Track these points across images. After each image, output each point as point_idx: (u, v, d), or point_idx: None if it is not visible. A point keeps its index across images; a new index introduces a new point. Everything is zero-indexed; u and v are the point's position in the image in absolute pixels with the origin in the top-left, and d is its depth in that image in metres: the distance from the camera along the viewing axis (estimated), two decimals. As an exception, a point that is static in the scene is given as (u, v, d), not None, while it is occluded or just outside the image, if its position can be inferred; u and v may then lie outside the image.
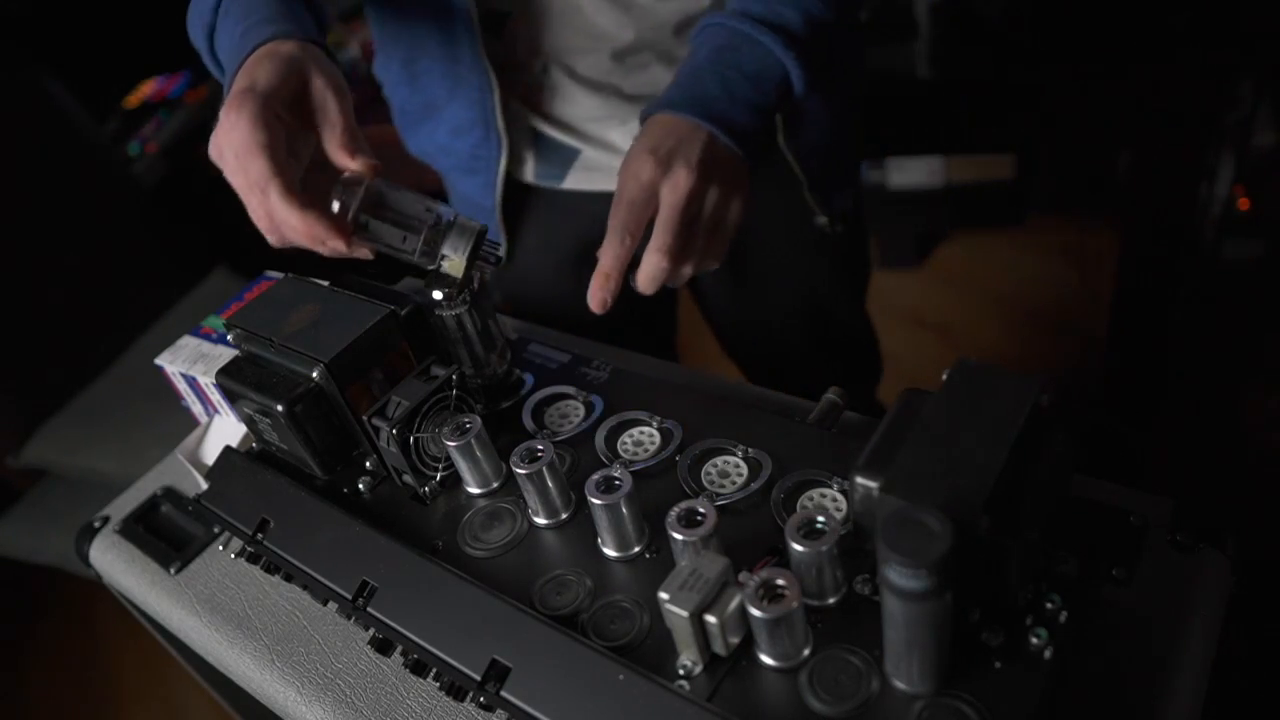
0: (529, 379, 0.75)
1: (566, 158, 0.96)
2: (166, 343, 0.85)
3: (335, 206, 0.63)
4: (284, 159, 0.62)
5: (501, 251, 0.68)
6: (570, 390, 0.73)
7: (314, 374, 0.65)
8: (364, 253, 0.66)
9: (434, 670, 0.55)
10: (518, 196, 0.98)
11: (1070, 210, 2.27)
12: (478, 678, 0.52)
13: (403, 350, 0.69)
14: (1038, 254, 2.29)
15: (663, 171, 0.68)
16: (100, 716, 1.87)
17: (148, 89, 2.30)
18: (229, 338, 0.73)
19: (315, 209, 0.61)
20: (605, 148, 0.95)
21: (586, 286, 0.69)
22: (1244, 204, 1.62)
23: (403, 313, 0.68)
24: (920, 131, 2.18)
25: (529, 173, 0.98)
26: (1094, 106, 2.06)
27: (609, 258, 0.68)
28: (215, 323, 0.86)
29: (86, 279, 1.86)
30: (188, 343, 0.85)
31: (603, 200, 0.98)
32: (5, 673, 1.98)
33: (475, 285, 0.69)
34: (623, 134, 0.94)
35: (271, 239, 0.65)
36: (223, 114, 0.62)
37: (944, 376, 0.51)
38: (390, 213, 0.65)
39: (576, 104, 0.93)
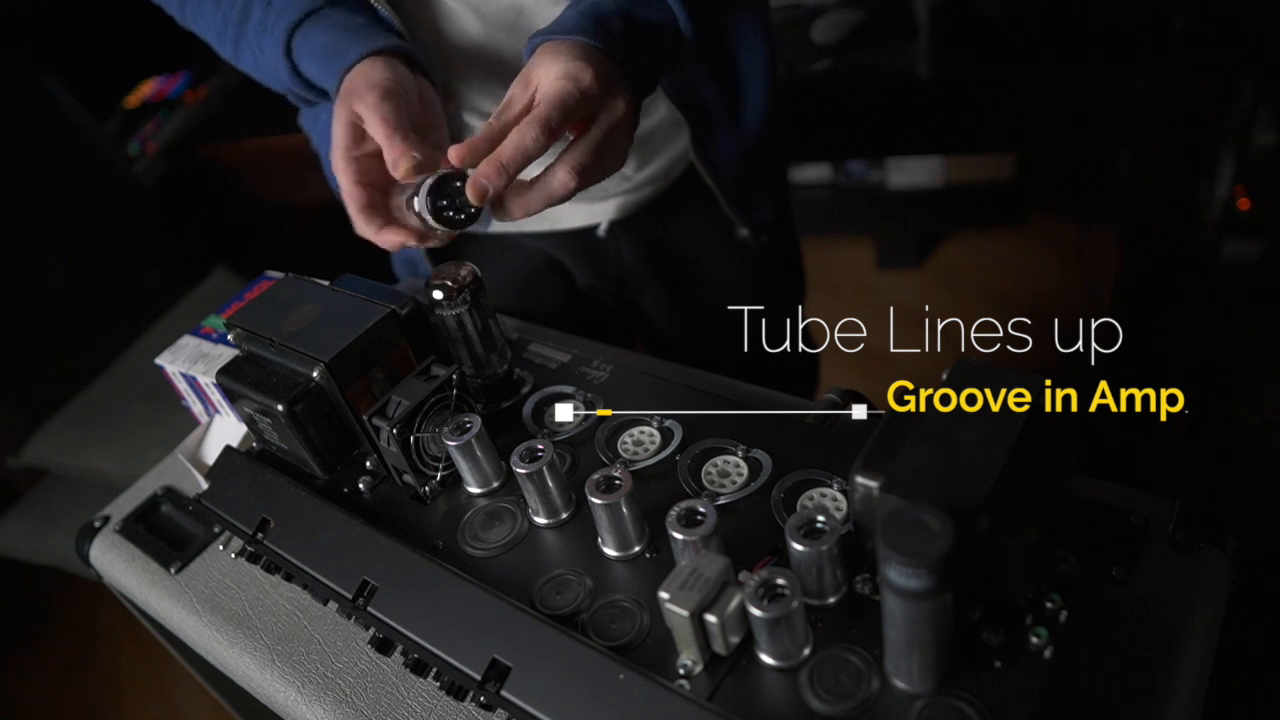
0: (529, 378, 0.75)
1: None
2: (166, 343, 0.85)
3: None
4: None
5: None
6: (570, 390, 0.73)
7: (314, 373, 0.65)
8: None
9: (434, 670, 0.55)
10: (446, 246, 0.96)
11: (1070, 210, 2.27)
12: (478, 677, 0.52)
13: (403, 350, 0.69)
14: (1038, 254, 2.29)
15: (604, 88, 0.64)
16: (100, 716, 1.87)
17: (148, 89, 2.30)
18: (229, 337, 0.73)
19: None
20: None
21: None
22: (1244, 204, 1.62)
23: (403, 312, 0.68)
24: (920, 131, 2.18)
25: None
26: (1094, 106, 2.06)
27: (513, 148, 0.61)
28: (215, 323, 0.86)
29: (86, 279, 1.85)
30: (188, 342, 0.85)
31: (530, 238, 0.99)
32: (5, 673, 1.98)
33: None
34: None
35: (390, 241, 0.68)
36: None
37: (944, 376, 0.51)
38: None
39: None
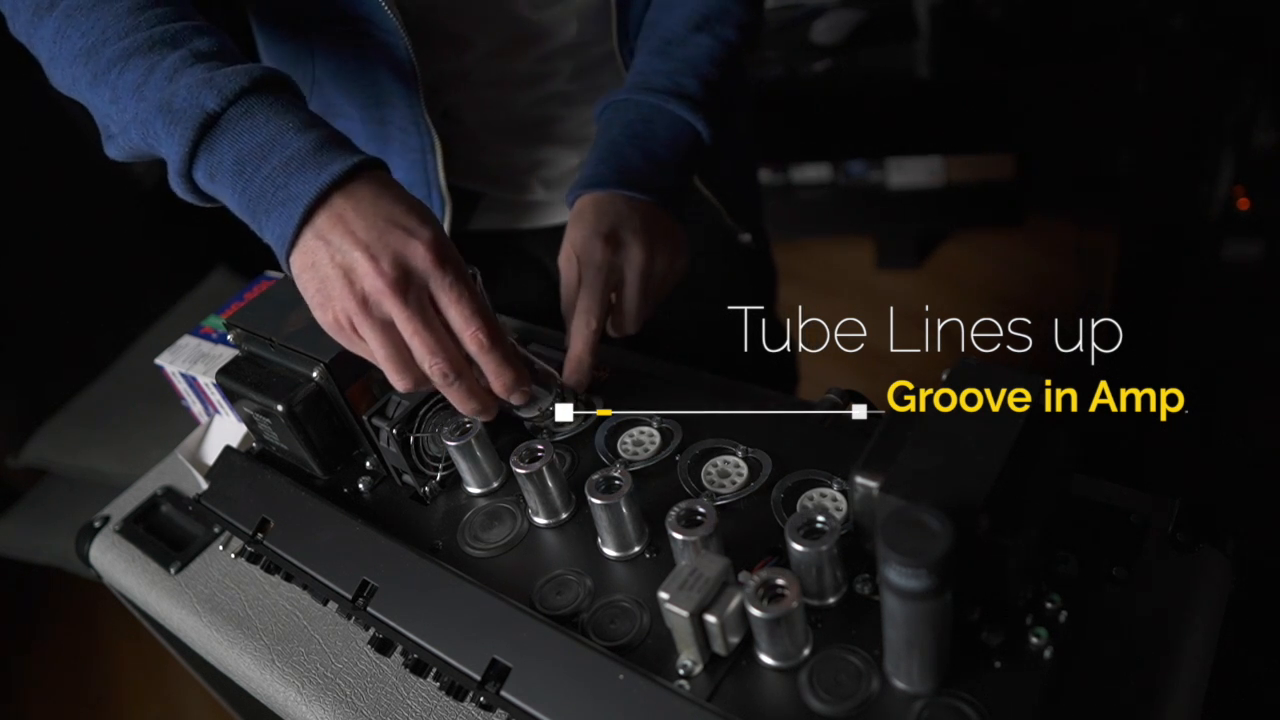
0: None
1: (471, 202, 0.97)
2: (166, 343, 0.85)
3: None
4: None
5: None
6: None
7: (314, 374, 0.65)
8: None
9: (434, 670, 0.55)
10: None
11: (1070, 210, 2.27)
12: (478, 678, 0.52)
13: (403, 350, 0.69)
14: (1038, 254, 2.29)
15: (614, 249, 0.71)
16: (100, 716, 1.87)
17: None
18: (229, 338, 0.73)
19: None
20: (515, 189, 0.97)
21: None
22: (1244, 204, 1.62)
23: (403, 313, 0.68)
24: (920, 131, 2.18)
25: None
26: (1094, 106, 2.06)
27: (581, 343, 0.70)
28: (215, 323, 0.86)
29: (86, 279, 1.85)
30: (188, 343, 0.85)
31: (518, 236, 1.00)
32: (5, 673, 1.97)
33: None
34: (527, 175, 0.96)
35: (474, 405, 0.62)
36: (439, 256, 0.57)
37: (944, 376, 0.51)
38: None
39: (486, 150, 0.94)
